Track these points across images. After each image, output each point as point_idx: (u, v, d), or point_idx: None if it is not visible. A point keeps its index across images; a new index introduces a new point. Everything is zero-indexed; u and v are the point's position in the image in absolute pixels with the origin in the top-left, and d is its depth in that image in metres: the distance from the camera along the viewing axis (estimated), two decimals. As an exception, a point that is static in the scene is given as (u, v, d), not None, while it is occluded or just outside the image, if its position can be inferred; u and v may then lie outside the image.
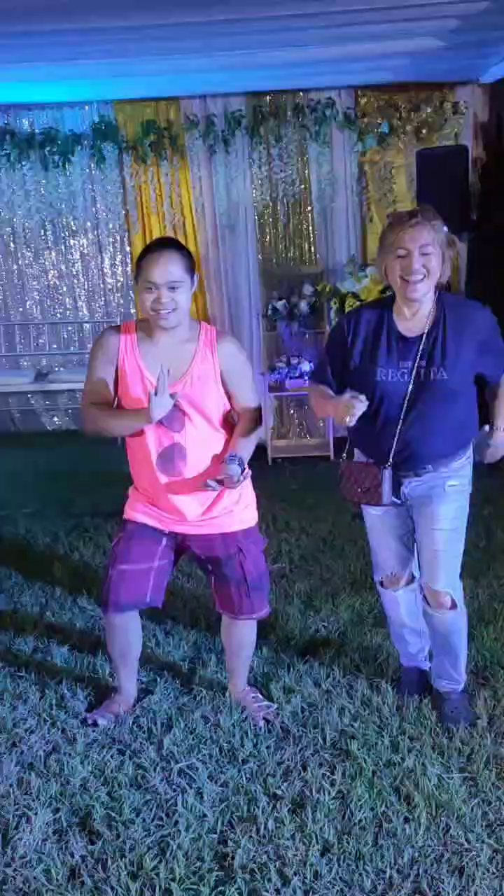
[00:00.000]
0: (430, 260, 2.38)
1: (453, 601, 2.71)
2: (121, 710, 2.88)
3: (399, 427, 2.51)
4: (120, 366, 2.59)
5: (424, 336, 2.48)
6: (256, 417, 2.70)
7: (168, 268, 2.45)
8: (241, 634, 2.89)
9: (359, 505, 2.74)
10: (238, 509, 2.73)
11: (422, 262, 2.38)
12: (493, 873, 2.16)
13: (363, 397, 2.40)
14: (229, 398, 2.66)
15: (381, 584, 2.89)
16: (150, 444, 2.61)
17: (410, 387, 2.48)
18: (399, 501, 2.67)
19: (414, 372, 2.47)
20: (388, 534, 2.77)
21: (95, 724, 2.82)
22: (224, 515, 2.70)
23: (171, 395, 2.48)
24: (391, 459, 2.54)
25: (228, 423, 2.71)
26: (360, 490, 2.60)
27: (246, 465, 2.60)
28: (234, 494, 2.69)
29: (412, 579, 2.85)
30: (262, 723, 2.80)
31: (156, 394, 2.44)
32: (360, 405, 2.38)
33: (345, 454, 2.73)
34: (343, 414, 2.41)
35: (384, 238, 2.47)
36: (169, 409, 2.48)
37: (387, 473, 2.53)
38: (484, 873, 2.15)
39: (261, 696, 2.95)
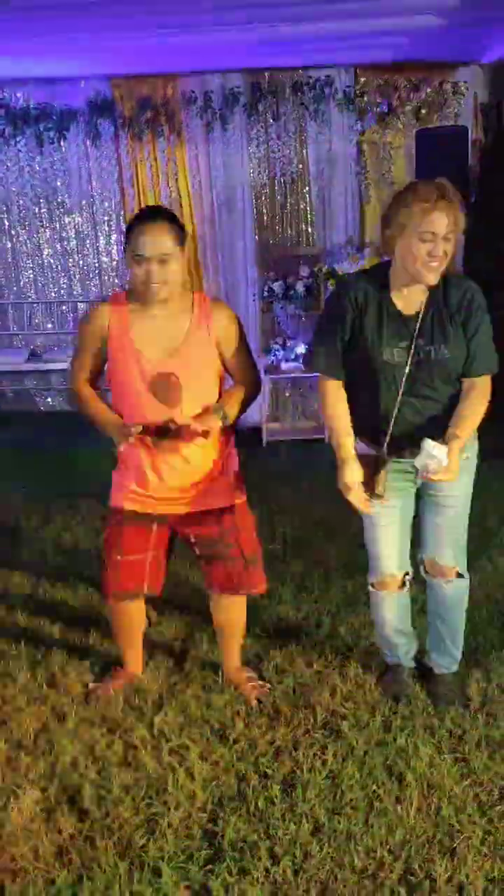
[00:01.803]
0: (450, 245, 2.28)
1: (459, 571, 2.70)
2: (121, 685, 2.90)
3: (396, 409, 2.43)
4: (109, 342, 2.52)
5: (422, 313, 2.38)
6: (254, 382, 2.62)
7: (158, 239, 2.37)
8: (232, 612, 2.85)
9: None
10: (228, 485, 2.68)
11: (443, 248, 2.26)
12: (485, 855, 2.14)
13: (377, 510, 2.50)
14: (227, 368, 2.59)
15: (374, 586, 2.77)
16: (146, 420, 2.51)
17: (408, 366, 2.38)
18: (409, 487, 2.59)
19: (412, 350, 2.38)
20: (392, 525, 2.64)
21: (96, 695, 2.85)
22: (214, 491, 2.65)
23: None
24: (388, 442, 2.46)
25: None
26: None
27: (228, 420, 2.51)
28: (223, 469, 2.65)
29: (405, 582, 2.76)
30: (254, 702, 2.79)
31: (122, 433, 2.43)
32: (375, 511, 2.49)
33: None
34: (357, 504, 2.46)
35: (401, 210, 2.26)
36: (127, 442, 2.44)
37: (388, 464, 2.47)
38: (476, 855, 2.14)
39: (255, 676, 2.94)
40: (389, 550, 2.69)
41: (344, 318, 2.43)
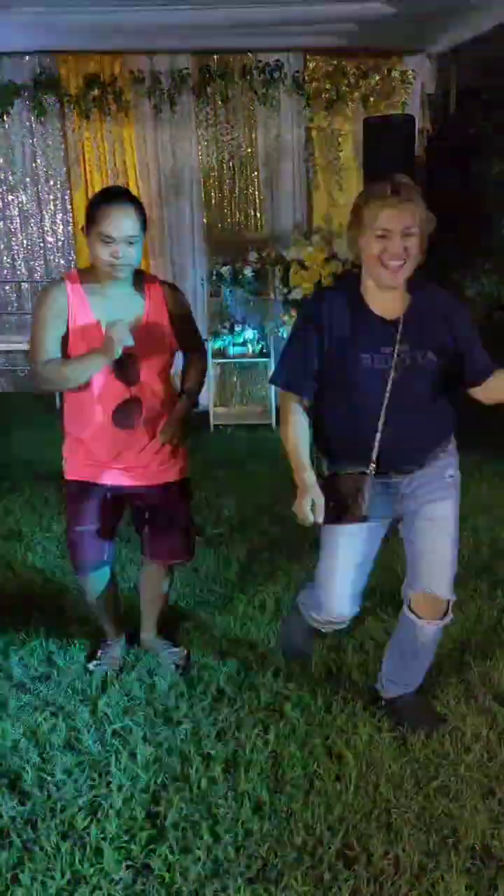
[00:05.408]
0: (412, 241, 2.13)
1: (448, 608, 2.46)
2: (119, 654, 2.96)
3: (382, 419, 2.23)
4: (71, 321, 2.51)
5: (403, 318, 2.22)
6: (203, 350, 2.87)
7: (126, 222, 2.41)
8: (160, 582, 2.96)
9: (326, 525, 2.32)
10: (176, 462, 2.76)
11: (404, 245, 2.12)
12: (421, 829, 2.21)
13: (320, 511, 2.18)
14: (179, 342, 2.68)
15: (315, 620, 2.57)
16: (105, 399, 2.56)
17: (392, 372, 2.21)
18: (388, 515, 2.37)
19: (396, 357, 2.20)
20: (353, 559, 2.41)
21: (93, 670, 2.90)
22: (165, 467, 2.72)
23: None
24: (374, 457, 2.25)
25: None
26: (330, 504, 2.23)
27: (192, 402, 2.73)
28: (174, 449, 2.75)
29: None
30: (173, 667, 2.88)
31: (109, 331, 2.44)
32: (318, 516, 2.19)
33: (316, 469, 2.33)
34: (302, 511, 2.20)
35: (359, 211, 2.15)
36: (128, 337, 2.41)
37: (368, 480, 2.25)
38: (411, 829, 2.20)
39: (170, 643, 3.03)
40: (343, 589, 2.43)
41: (311, 331, 2.27)
